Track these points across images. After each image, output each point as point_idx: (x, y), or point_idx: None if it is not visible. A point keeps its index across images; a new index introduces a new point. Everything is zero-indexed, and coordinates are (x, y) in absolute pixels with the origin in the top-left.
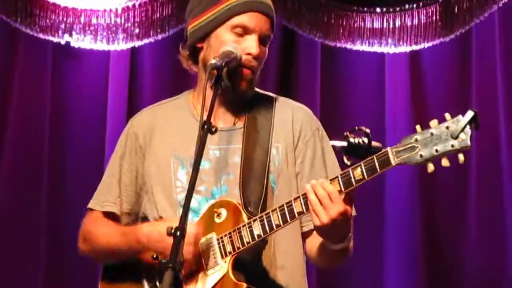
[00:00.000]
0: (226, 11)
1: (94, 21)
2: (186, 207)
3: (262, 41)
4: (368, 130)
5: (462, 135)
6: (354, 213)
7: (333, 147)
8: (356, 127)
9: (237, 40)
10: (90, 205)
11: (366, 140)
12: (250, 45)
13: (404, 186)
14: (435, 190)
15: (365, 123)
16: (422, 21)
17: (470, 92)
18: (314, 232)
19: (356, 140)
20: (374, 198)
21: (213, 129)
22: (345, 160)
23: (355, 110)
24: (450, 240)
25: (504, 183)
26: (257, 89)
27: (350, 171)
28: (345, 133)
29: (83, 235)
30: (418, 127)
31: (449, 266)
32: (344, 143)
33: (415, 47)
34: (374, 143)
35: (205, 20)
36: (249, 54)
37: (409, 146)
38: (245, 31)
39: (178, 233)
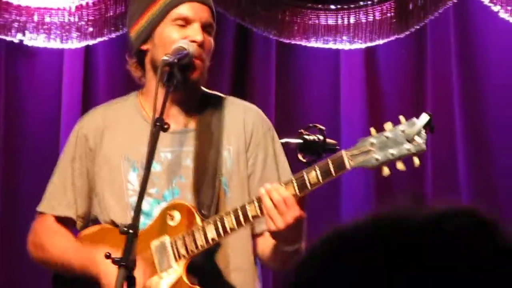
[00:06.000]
0: (164, 6)
1: (47, 19)
2: (138, 207)
3: (205, 30)
4: (323, 128)
5: (417, 138)
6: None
7: (288, 144)
8: (311, 125)
9: (180, 32)
10: (41, 209)
11: (321, 137)
12: (193, 33)
13: (360, 188)
14: (391, 191)
15: (320, 120)
16: (377, 18)
17: (425, 87)
18: (266, 234)
19: (311, 137)
20: (329, 199)
21: (166, 126)
22: (300, 157)
23: (310, 107)
24: None
25: (461, 184)
26: (205, 89)
27: (305, 174)
28: (299, 131)
29: (34, 241)
30: (373, 130)
31: None
32: (299, 140)
33: (370, 44)
34: (329, 140)
35: (145, 21)
36: (194, 41)
37: (364, 149)
38: (186, 21)
39: (130, 231)
